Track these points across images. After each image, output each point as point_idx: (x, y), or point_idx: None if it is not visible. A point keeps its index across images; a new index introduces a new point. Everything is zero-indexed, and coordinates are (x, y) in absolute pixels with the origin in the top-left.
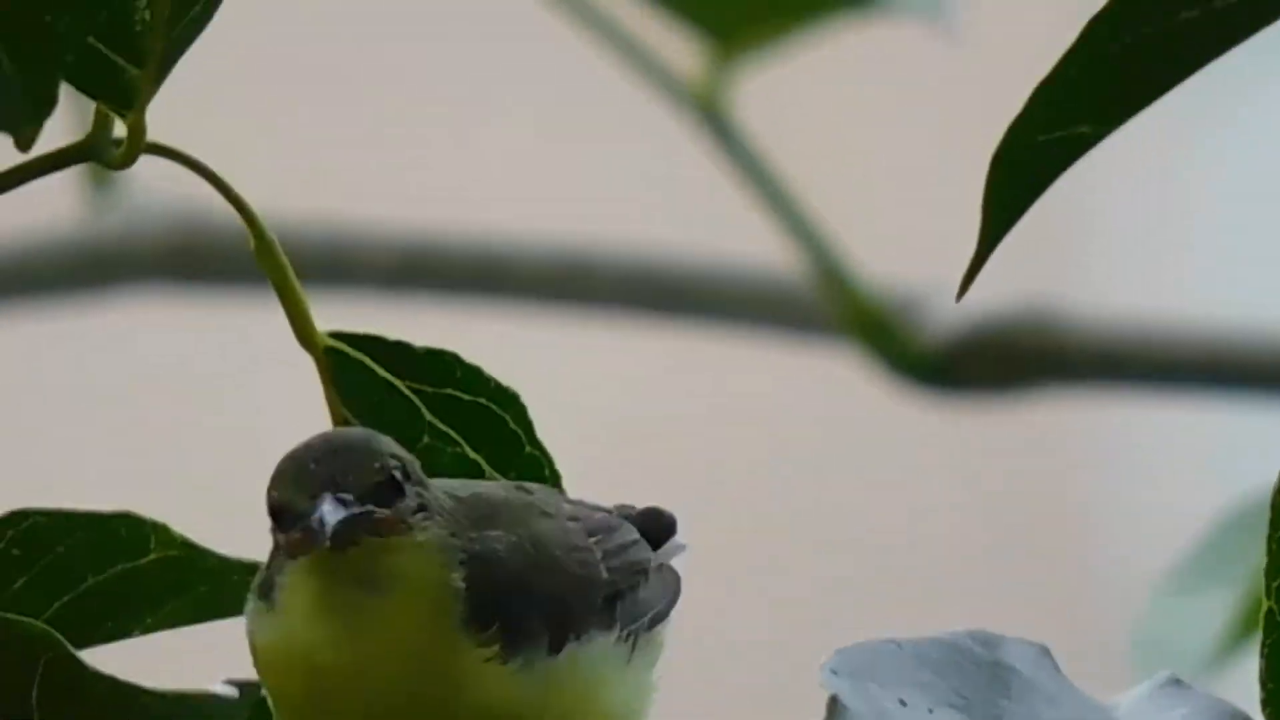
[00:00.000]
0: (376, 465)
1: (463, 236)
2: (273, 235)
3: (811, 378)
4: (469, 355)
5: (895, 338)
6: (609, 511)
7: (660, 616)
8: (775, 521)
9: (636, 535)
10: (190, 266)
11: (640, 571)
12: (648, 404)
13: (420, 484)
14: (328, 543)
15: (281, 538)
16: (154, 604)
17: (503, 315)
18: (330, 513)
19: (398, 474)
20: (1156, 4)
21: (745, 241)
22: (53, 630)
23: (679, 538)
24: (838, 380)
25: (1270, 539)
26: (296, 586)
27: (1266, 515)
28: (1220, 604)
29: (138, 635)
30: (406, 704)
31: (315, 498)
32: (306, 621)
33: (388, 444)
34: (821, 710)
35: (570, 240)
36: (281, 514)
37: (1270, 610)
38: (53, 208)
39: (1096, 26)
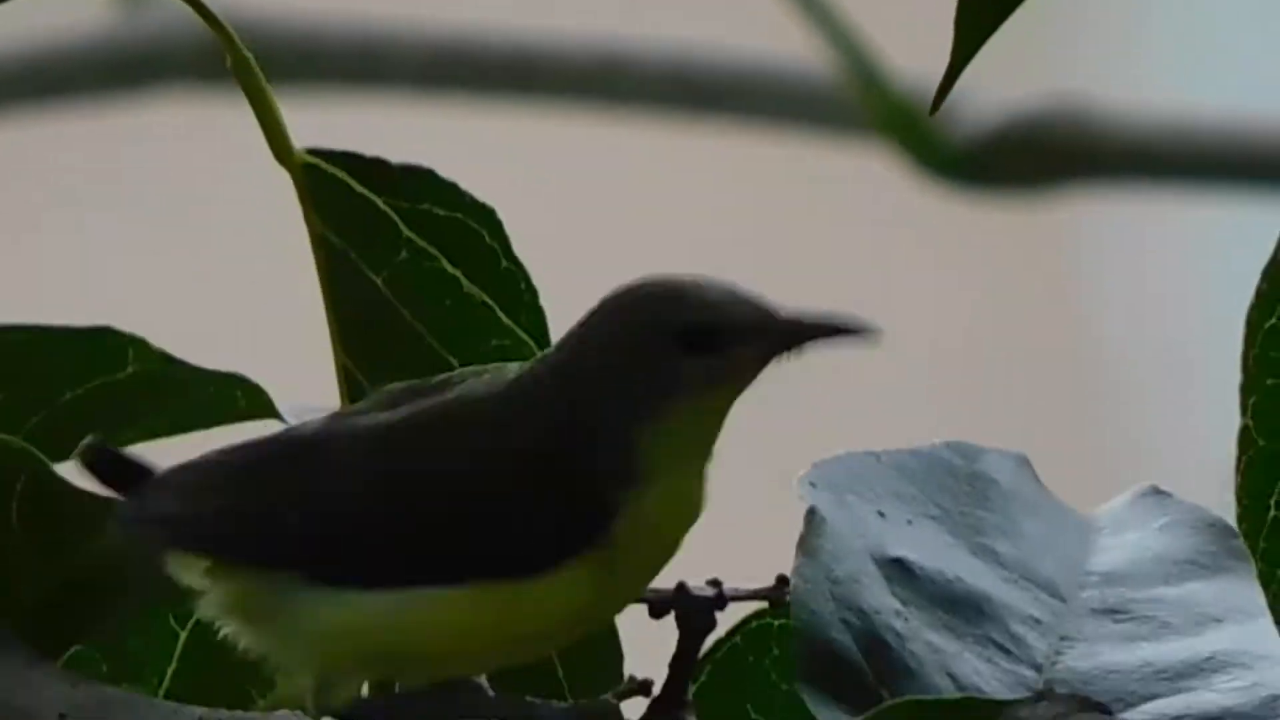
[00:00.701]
0: None
1: (493, 35)
2: (247, 51)
3: (843, 174)
4: (500, 152)
5: (927, 134)
6: None
7: None
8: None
9: None
10: (221, 68)
11: None
12: (678, 201)
13: None
14: (784, 351)
15: (706, 362)
16: (132, 417)
17: (534, 114)
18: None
19: None
20: None
21: (777, 41)
22: (30, 446)
23: None
24: (869, 177)
25: (1245, 356)
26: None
27: None
28: None
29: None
30: None
31: (764, 312)
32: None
33: None
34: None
35: (601, 39)
36: (716, 332)
37: (1246, 427)
38: (87, 9)
39: None
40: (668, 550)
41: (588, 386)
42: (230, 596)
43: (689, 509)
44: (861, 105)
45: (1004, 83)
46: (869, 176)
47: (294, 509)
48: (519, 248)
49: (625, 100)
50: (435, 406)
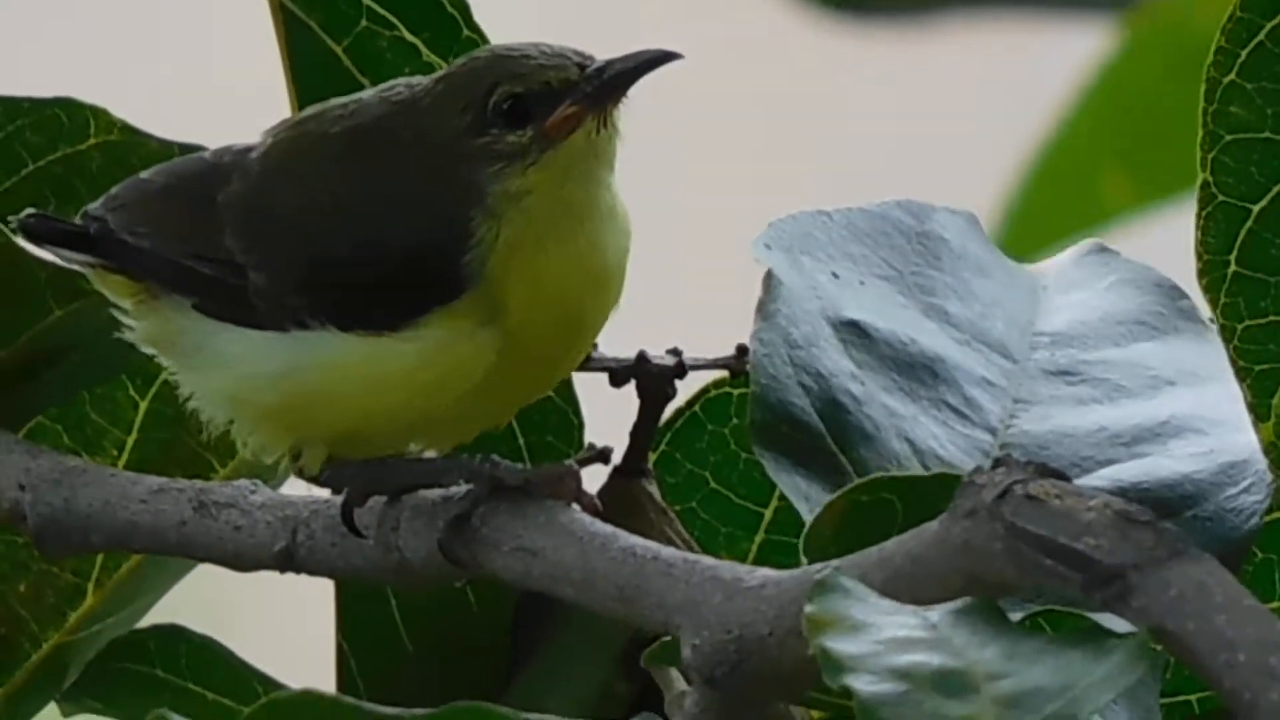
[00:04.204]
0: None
1: None
2: None
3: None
4: None
5: None
6: None
7: None
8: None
9: None
10: None
11: None
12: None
13: None
14: (608, 104)
15: (529, 130)
16: (94, 188)
17: None
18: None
19: None
20: None
21: None
22: None
23: None
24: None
25: (1204, 111)
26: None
27: None
28: None
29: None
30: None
31: (578, 69)
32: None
33: None
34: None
35: None
36: (534, 98)
37: (1206, 181)
38: None
39: None
40: (568, 316)
41: (432, 152)
42: (155, 328)
43: (577, 273)
44: None
45: None
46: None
47: (193, 240)
48: None
49: None
50: (305, 135)
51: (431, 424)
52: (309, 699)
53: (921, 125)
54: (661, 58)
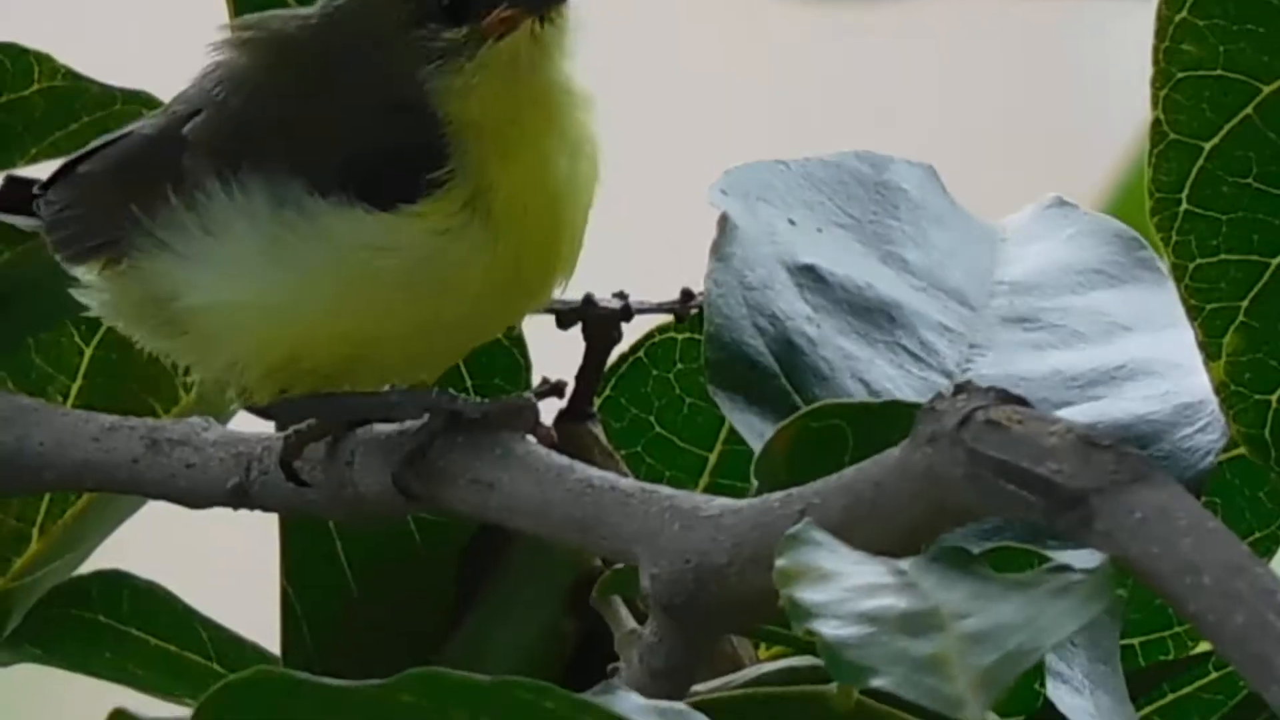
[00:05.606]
0: None
1: None
2: None
3: None
4: None
5: None
6: None
7: None
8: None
9: None
10: None
11: None
12: None
13: None
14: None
15: (469, 27)
16: (38, 134)
17: None
18: None
19: None
20: None
21: None
22: None
23: None
24: None
25: (1155, 49)
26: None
27: None
28: None
29: (23, 166)
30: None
31: None
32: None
33: None
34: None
35: None
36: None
37: (1157, 120)
38: None
39: None
40: (542, 225)
41: (380, 46)
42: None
43: (549, 180)
44: None
45: None
46: None
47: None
48: None
49: None
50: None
51: (428, 336)
52: (263, 678)
53: (891, 99)
54: None
